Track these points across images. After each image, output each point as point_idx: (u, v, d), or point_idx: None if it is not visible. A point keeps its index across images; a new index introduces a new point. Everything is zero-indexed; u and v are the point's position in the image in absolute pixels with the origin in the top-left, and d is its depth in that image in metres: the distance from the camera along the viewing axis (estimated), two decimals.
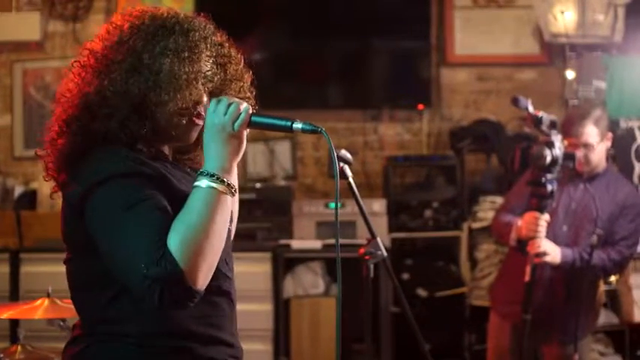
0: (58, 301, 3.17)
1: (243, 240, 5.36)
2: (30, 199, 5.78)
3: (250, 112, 1.99)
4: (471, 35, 6.22)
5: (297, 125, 2.01)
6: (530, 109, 3.88)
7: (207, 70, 2.06)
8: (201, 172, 1.93)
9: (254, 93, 2.18)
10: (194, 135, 2.08)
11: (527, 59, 6.23)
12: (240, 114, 1.96)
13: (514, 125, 5.96)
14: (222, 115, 1.95)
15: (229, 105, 1.96)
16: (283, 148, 6.18)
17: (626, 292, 5.45)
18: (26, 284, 5.14)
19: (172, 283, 1.81)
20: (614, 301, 5.56)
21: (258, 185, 5.80)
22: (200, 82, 2.03)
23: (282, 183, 5.97)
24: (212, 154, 1.95)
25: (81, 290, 2.05)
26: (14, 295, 5.10)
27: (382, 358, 5.39)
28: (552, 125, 3.90)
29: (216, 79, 2.09)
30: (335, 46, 6.20)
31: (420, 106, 6.19)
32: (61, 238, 2.07)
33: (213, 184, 1.91)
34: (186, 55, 2.00)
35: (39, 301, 3.18)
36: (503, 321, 4.19)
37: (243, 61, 2.16)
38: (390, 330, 5.41)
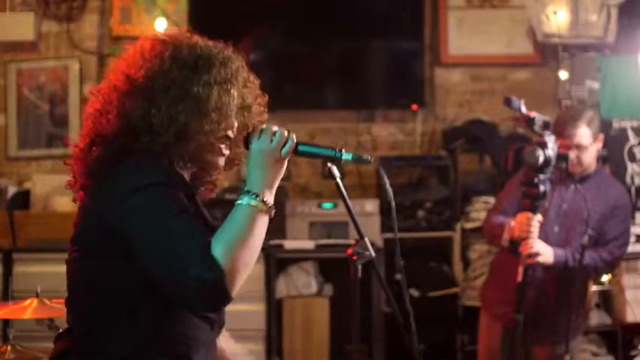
0: (47, 301, 3.16)
1: None
2: (23, 199, 5.78)
3: (295, 140, 2.12)
4: (464, 35, 6.23)
5: (347, 156, 2.19)
6: (523, 109, 3.89)
7: (243, 99, 2.19)
8: (246, 190, 2.04)
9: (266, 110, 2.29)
10: (222, 161, 2.20)
11: (520, 59, 6.24)
12: (287, 141, 2.10)
13: (508, 126, 5.97)
14: (269, 142, 2.08)
15: (274, 133, 2.09)
16: None
17: (619, 292, 5.46)
18: (18, 284, 5.13)
19: (218, 288, 1.90)
20: (607, 301, 5.58)
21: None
22: (236, 111, 2.16)
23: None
24: (256, 177, 2.07)
25: (81, 294, 2.10)
26: (5, 295, 5.09)
27: (374, 358, 5.39)
28: (545, 126, 3.90)
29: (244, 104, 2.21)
30: (329, 46, 6.20)
31: (414, 107, 6.19)
32: (73, 238, 2.11)
33: (255, 203, 2.02)
34: (227, 86, 2.12)
35: (28, 301, 3.17)
36: (493, 321, 4.20)
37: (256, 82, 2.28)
38: (382, 330, 5.41)
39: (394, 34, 6.18)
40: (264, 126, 2.13)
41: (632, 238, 5.22)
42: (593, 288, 5.36)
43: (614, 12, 5.77)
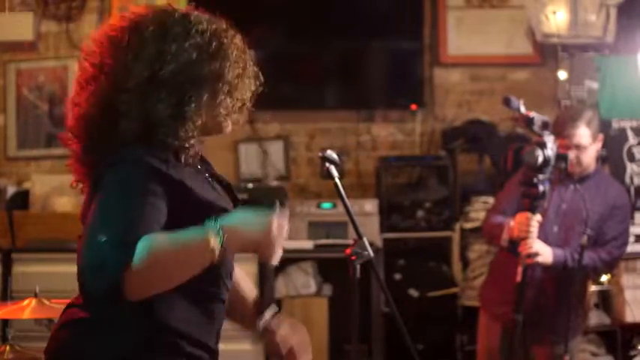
0: (46, 301, 3.17)
1: None
2: (22, 199, 5.78)
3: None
4: (464, 35, 6.22)
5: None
6: (522, 109, 3.89)
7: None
8: (216, 219, 1.91)
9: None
10: (229, 125, 2.16)
11: (520, 59, 6.23)
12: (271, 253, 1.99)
13: (507, 126, 5.96)
14: (261, 228, 1.95)
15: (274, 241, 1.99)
16: (276, 149, 6.18)
17: (618, 292, 5.46)
18: (18, 284, 5.14)
19: (107, 278, 1.82)
20: (606, 301, 5.57)
21: (250, 185, 5.79)
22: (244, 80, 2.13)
23: (275, 183, 5.97)
24: (240, 223, 1.94)
25: None
26: (5, 295, 5.09)
27: (374, 358, 5.39)
28: (544, 126, 3.90)
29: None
30: (329, 47, 6.20)
31: (413, 107, 6.19)
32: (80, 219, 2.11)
33: (213, 235, 1.88)
34: (239, 61, 2.14)
35: (26, 301, 3.18)
36: (493, 321, 4.20)
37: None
38: (381, 330, 5.41)
39: (393, 34, 6.18)
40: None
41: (632, 238, 5.21)
42: (593, 288, 5.36)
43: (613, 12, 5.77)
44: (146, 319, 2.00)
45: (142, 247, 1.84)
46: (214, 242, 1.88)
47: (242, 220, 1.96)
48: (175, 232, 1.90)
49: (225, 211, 2.05)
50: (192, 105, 2.04)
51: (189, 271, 1.92)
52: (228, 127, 2.16)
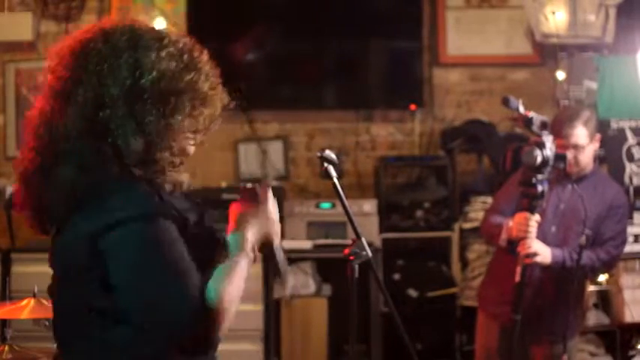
0: (44, 301, 3.17)
1: None
2: None
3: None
4: (463, 36, 6.23)
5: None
6: (521, 109, 3.88)
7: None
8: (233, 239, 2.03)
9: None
10: (192, 147, 2.08)
11: (519, 59, 6.24)
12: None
13: (506, 126, 5.97)
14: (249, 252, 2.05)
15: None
16: (275, 148, 6.19)
17: (617, 292, 5.46)
18: (17, 284, 5.14)
19: (209, 329, 1.90)
20: (605, 301, 5.57)
21: (249, 185, 5.78)
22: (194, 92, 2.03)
23: (274, 183, 5.97)
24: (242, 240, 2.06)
25: (71, 324, 2.00)
26: (4, 295, 5.09)
27: (372, 358, 5.39)
28: (543, 126, 3.90)
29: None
30: (328, 46, 6.20)
31: (413, 107, 6.20)
32: (51, 265, 2.06)
33: (245, 252, 2.03)
34: (178, 64, 2.00)
35: (25, 301, 3.18)
36: (491, 321, 4.20)
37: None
38: (380, 330, 5.42)
39: (393, 34, 6.19)
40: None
41: (631, 238, 5.24)
42: (592, 288, 5.38)
43: (612, 12, 5.77)
44: None
45: (214, 293, 1.90)
46: (249, 254, 2.04)
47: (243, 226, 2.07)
48: (225, 266, 1.96)
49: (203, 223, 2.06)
50: (178, 117, 1.97)
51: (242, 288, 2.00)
52: (192, 149, 2.09)
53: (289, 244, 5.47)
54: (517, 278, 3.90)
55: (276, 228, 2.16)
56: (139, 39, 1.97)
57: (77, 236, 1.92)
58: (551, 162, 3.86)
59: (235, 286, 1.95)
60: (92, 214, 1.89)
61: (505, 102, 3.90)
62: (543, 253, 3.94)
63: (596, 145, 4.12)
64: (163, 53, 1.97)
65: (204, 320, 1.88)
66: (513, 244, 3.97)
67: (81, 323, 1.95)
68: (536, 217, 3.91)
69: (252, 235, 2.07)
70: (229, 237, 2.05)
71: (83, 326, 1.95)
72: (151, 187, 1.95)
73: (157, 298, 1.85)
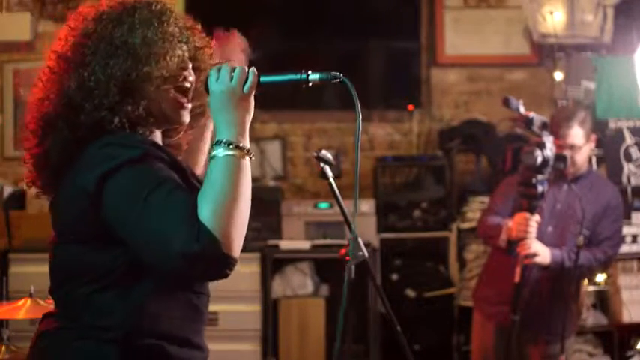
0: (41, 302, 3.17)
1: None
2: (19, 199, 5.77)
3: (256, 72, 2.00)
4: (461, 36, 6.23)
5: (314, 76, 2.06)
6: (522, 109, 3.90)
7: (178, 35, 2.07)
8: (218, 141, 1.93)
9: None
10: (186, 115, 2.10)
11: (517, 60, 6.25)
12: (248, 76, 1.98)
13: (505, 126, 5.96)
14: (228, 80, 1.96)
15: (233, 70, 1.98)
16: (273, 148, 6.19)
17: (615, 292, 5.45)
18: (14, 284, 5.13)
19: (214, 256, 1.82)
20: (603, 301, 5.57)
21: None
22: (177, 46, 2.05)
23: (272, 183, 5.97)
24: (224, 122, 1.96)
25: (68, 278, 2.03)
26: (1, 295, 5.09)
27: (370, 358, 5.39)
28: (543, 126, 3.91)
29: (188, 45, 2.09)
30: (326, 47, 6.20)
31: (410, 107, 6.20)
32: (53, 224, 2.07)
33: (231, 152, 1.91)
34: (155, 23, 2.02)
35: (22, 301, 3.18)
36: (487, 321, 4.21)
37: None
38: (378, 330, 5.42)
39: (391, 34, 6.19)
40: (221, 65, 2.01)
41: (629, 239, 5.24)
42: (590, 288, 5.38)
43: (610, 12, 5.77)
44: (122, 324, 1.96)
45: (206, 216, 1.82)
46: (236, 152, 1.92)
47: (220, 106, 1.97)
48: (205, 184, 1.89)
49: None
50: (154, 64, 2.00)
51: (247, 189, 1.92)
52: (184, 112, 2.09)
53: (287, 244, 5.48)
54: (516, 278, 3.92)
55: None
56: (107, 20, 2.04)
57: (73, 190, 1.95)
58: (551, 162, 3.87)
59: (237, 202, 1.88)
60: (84, 169, 1.93)
61: (506, 102, 3.91)
62: (543, 254, 3.95)
63: (591, 145, 4.14)
64: (124, 26, 2.02)
65: (206, 246, 1.81)
66: (512, 244, 3.98)
67: (76, 276, 2.00)
68: (536, 217, 3.92)
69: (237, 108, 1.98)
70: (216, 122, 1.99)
71: (77, 279, 2.00)
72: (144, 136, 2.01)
73: (153, 234, 1.85)
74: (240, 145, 1.93)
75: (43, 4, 6.10)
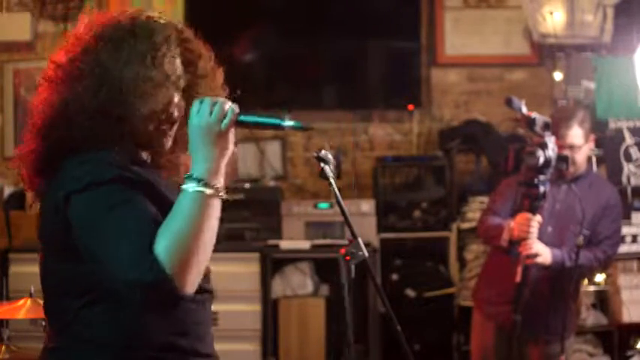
0: (41, 301, 3.16)
1: (231, 240, 5.37)
2: (19, 199, 5.77)
3: (237, 110, 1.97)
4: (461, 36, 6.23)
5: (289, 123, 2.01)
6: (524, 110, 3.90)
7: (174, 70, 2.05)
8: (189, 175, 1.91)
9: (227, 91, 2.17)
10: (169, 141, 2.09)
11: (517, 60, 6.25)
12: (227, 113, 1.94)
13: (507, 126, 5.96)
14: (208, 115, 1.93)
15: (214, 105, 1.94)
16: (273, 149, 6.19)
17: (615, 292, 5.46)
18: (14, 284, 5.14)
19: (160, 289, 1.81)
20: (603, 301, 5.57)
21: (247, 185, 5.79)
22: (168, 84, 2.03)
23: (272, 183, 5.97)
24: (199, 157, 1.93)
25: (56, 294, 2.04)
26: (1, 295, 5.09)
27: (370, 358, 5.39)
28: (546, 126, 3.91)
29: (184, 77, 2.07)
30: (326, 47, 6.20)
31: (410, 107, 6.20)
32: (38, 239, 2.07)
33: (201, 188, 1.89)
34: (149, 59, 2.00)
35: (22, 301, 3.17)
36: (487, 321, 4.21)
37: (213, 58, 2.15)
38: (378, 330, 5.42)
39: (391, 34, 6.19)
40: (201, 98, 1.98)
41: (629, 239, 5.24)
42: (590, 288, 5.38)
43: (610, 12, 5.78)
44: (117, 338, 1.96)
45: (162, 248, 1.81)
46: (206, 190, 1.89)
47: (197, 141, 1.94)
48: (169, 216, 1.86)
49: None
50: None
51: (212, 228, 1.89)
52: (166, 140, 2.09)
53: (287, 244, 5.48)
54: (518, 279, 3.92)
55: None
56: (107, 41, 2.04)
57: (50, 205, 1.98)
58: (553, 163, 3.88)
59: (197, 238, 1.86)
60: (58, 185, 1.95)
61: (508, 102, 3.92)
62: (544, 254, 3.96)
63: (591, 145, 4.15)
64: (120, 55, 2.01)
65: (156, 280, 1.80)
66: (514, 244, 3.98)
67: (64, 290, 2.00)
68: (538, 217, 3.92)
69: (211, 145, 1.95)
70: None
71: (66, 293, 2.00)
72: (120, 157, 1.98)
73: (107, 258, 1.86)
74: (212, 183, 1.91)
75: (43, 4, 6.10)
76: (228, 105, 1.96)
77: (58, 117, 1.99)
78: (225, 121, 1.94)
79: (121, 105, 1.97)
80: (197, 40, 2.13)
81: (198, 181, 1.89)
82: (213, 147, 1.93)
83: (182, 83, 2.07)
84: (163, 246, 1.81)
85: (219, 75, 2.16)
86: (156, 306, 1.91)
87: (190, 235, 1.84)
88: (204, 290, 2.08)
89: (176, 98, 2.05)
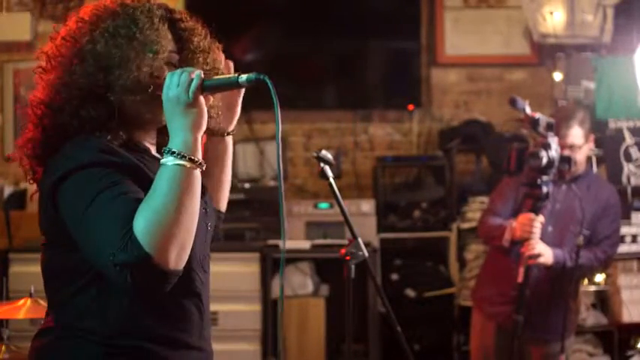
0: (41, 302, 3.16)
1: (231, 240, 5.38)
2: (19, 199, 5.79)
3: (202, 76, 1.94)
4: (461, 36, 6.23)
5: (242, 77, 1.99)
6: (528, 110, 3.90)
7: (160, 44, 2.04)
8: (165, 149, 1.89)
9: (230, 65, 2.19)
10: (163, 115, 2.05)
11: (517, 60, 6.26)
12: (193, 81, 1.92)
13: (510, 126, 5.96)
14: (176, 86, 1.91)
15: (181, 75, 1.92)
16: (273, 149, 6.18)
17: (615, 292, 5.46)
18: (14, 284, 5.14)
19: (141, 267, 1.78)
20: (603, 301, 5.57)
21: (247, 185, 5.80)
22: (152, 55, 2.02)
23: (272, 183, 5.97)
24: (174, 129, 1.91)
25: (52, 279, 2.06)
26: (1, 295, 5.09)
27: (370, 358, 5.39)
28: (549, 127, 3.92)
29: (176, 53, 2.08)
30: (326, 47, 6.21)
31: (411, 107, 6.20)
32: (39, 224, 2.08)
33: (178, 161, 1.86)
34: (130, 32, 2.00)
35: (22, 301, 3.17)
36: (487, 321, 4.21)
37: (209, 35, 2.16)
38: (378, 330, 5.42)
39: (391, 34, 6.20)
40: (172, 72, 1.96)
41: (628, 239, 5.24)
42: (590, 288, 5.38)
43: (610, 12, 5.78)
44: (105, 325, 1.97)
45: (139, 226, 1.79)
46: (183, 162, 1.87)
47: (170, 114, 1.93)
48: (148, 193, 1.84)
49: None
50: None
51: (193, 201, 1.87)
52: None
53: (287, 244, 5.47)
54: (520, 279, 3.92)
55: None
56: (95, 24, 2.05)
57: (42, 193, 2.00)
58: (556, 163, 3.88)
59: (178, 213, 1.83)
60: (49, 172, 1.98)
61: (512, 102, 3.92)
62: (546, 254, 3.96)
63: (590, 144, 4.15)
64: (103, 35, 2.02)
65: (133, 259, 1.78)
66: (515, 244, 3.99)
67: (58, 277, 2.03)
68: (541, 218, 3.92)
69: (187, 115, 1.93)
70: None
71: (59, 280, 2.03)
72: (110, 141, 1.99)
73: (87, 243, 1.87)
74: (189, 154, 1.88)
75: (43, 4, 6.10)
76: (196, 72, 1.94)
77: (52, 104, 2.01)
78: (191, 88, 1.91)
79: (106, 80, 1.98)
80: (192, 20, 2.14)
81: (175, 154, 1.87)
82: (184, 118, 1.91)
83: (174, 58, 2.07)
84: (140, 223, 1.79)
85: (218, 50, 2.16)
86: (146, 293, 1.89)
87: (169, 210, 1.81)
88: (198, 280, 2.08)
89: (166, 72, 2.01)
